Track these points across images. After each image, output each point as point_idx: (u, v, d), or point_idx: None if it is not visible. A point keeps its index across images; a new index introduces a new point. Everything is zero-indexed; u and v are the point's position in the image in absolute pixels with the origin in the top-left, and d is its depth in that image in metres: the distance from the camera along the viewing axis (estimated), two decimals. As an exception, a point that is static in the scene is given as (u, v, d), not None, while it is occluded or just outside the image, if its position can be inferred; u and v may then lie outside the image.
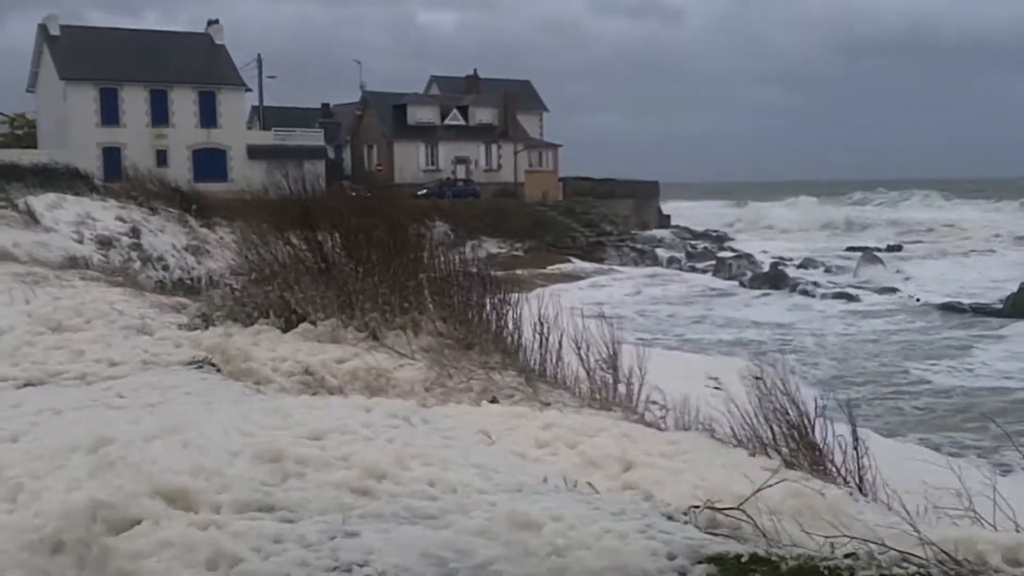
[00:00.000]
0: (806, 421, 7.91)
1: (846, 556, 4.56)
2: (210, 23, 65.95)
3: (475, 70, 78.35)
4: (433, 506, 5.40)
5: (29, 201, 39.37)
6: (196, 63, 62.62)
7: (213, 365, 9.42)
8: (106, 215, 42.83)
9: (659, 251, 61.03)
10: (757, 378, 7.91)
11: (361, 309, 11.37)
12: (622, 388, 10.19)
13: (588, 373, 10.84)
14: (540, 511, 5.00)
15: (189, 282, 31.55)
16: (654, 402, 8.57)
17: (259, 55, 68.85)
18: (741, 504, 5.48)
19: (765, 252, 62.07)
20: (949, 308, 38.98)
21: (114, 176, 50.27)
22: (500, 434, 7.05)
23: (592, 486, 5.76)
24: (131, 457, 5.94)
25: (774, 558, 4.54)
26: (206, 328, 10.82)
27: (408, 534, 5.03)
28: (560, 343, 11.58)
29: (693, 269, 55.79)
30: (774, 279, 48.64)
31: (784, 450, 7.60)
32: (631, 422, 8.00)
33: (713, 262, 56.91)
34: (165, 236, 42.96)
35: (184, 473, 5.50)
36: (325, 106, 76.56)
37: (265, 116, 69.38)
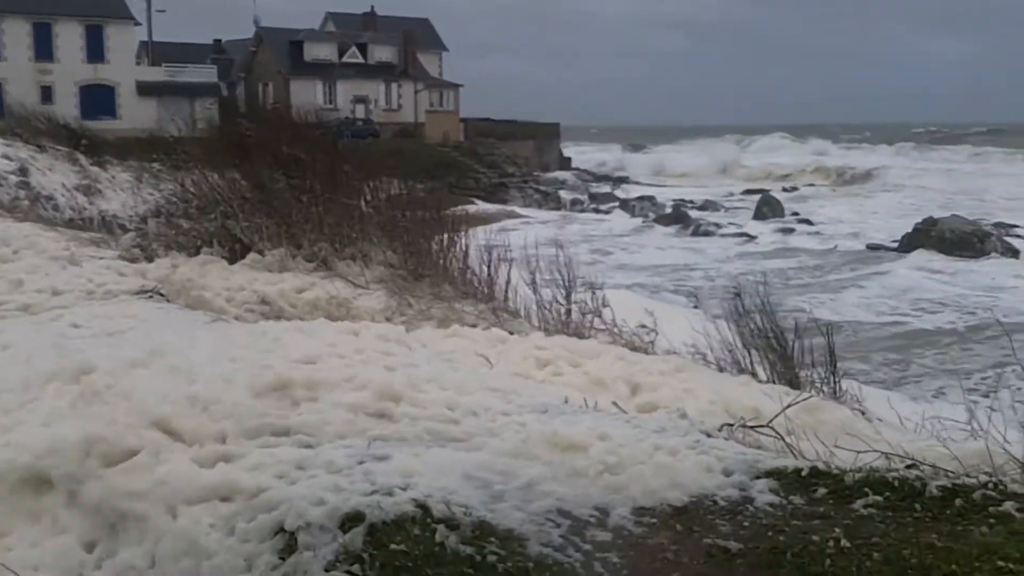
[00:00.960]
0: (782, 342, 7.93)
1: (908, 466, 4.46)
2: (95, -47, 62.89)
3: (372, 7, 76.69)
4: (457, 429, 5.15)
5: (-99, 138, 37.29)
6: (81, -6, 59.80)
7: (163, 295, 8.94)
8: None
9: (562, 193, 61.09)
10: (737, 295, 7.85)
11: (308, 239, 10.95)
12: (576, 316, 10.10)
13: (543, 304, 10.69)
14: (584, 431, 4.79)
15: (80, 222, 30.33)
16: (642, 326, 8.42)
17: (147, -13, 66.07)
18: (770, 422, 5.37)
19: (665, 194, 62.65)
20: (847, 247, 39.99)
21: (-5, 114, 47.81)
22: (495, 357, 6.82)
23: (619, 406, 5.58)
24: (120, 385, 5.53)
25: (835, 471, 4.42)
26: (149, 260, 10.27)
27: (442, 456, 4.78)
28: (510, 276, 11.41)
29: (597, 210, 56.03)
30: (676, 219, 49.18)
31: (766, 370, 7.61)
32: (619, 346, 7.84)
33: (616, 204, 57.24)
34: (54, 175, 41.01)
35: (181, 401, 5.12)
36: (217, 42, 74.08)
37: (155, 52, 66.72)
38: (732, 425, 5.19)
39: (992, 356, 19.89)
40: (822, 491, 4.32)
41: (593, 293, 8.90)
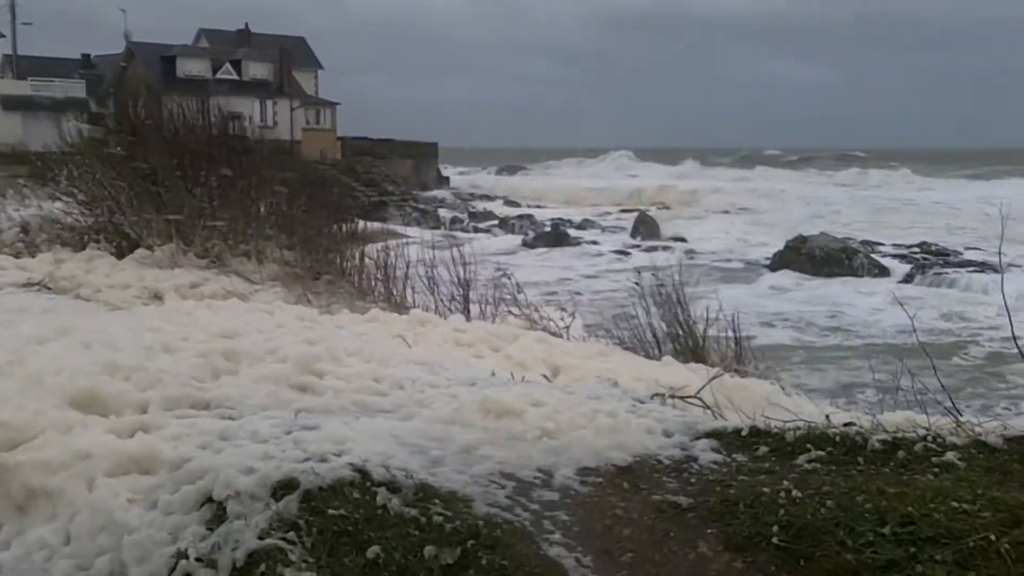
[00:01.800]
0: (693, 325, 8.03)
1: (845, 425, 4.49)
2: (-47, -41, 60.35)
3: (247, 24, 75.45)
4: (385, 401, 5.00)
5: None
6: (-62, 3, 57.20)
7: (49, 288, 8.49)
8: None
9: (442, 211, 60.95)
10: (658, 283, 7.91)
11: (200, 235, 10.59)
12: (475, 310, 10.07)
13: (443, 301, 10.61)
14: (515, 396, 4.69)
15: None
16: (562, 308, 8.37)
17: (11, -2, 63.61)
18: (698, 392, 5.37)
19: (543, 214, 63.13)
20: (721, 264, 40.93)
21: None
22: (412, 339, 6.65)
23: (547, 377, 5.50)
24: (26, 362, 5.17)
25: (775, 430, 4.42)
26: (32, 256, 9.76)
27: (374, 424, 4.61)
28: (408, 274, 11.31)
29: (476, 229, 56.03)
30: (555, 238, 49.57)
31: (674, 349, 7.69)
32: (537, 331, 7.77)
33: (495, 222, 57.39)
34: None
35: (97, 373, 4.82)
36: (86, 56, 71.75)
37: (20, 66, 64.25)
38: (662, 395, 5.16)
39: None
40: (764, 449, 4.31)
41: (508, 278, 8.83)
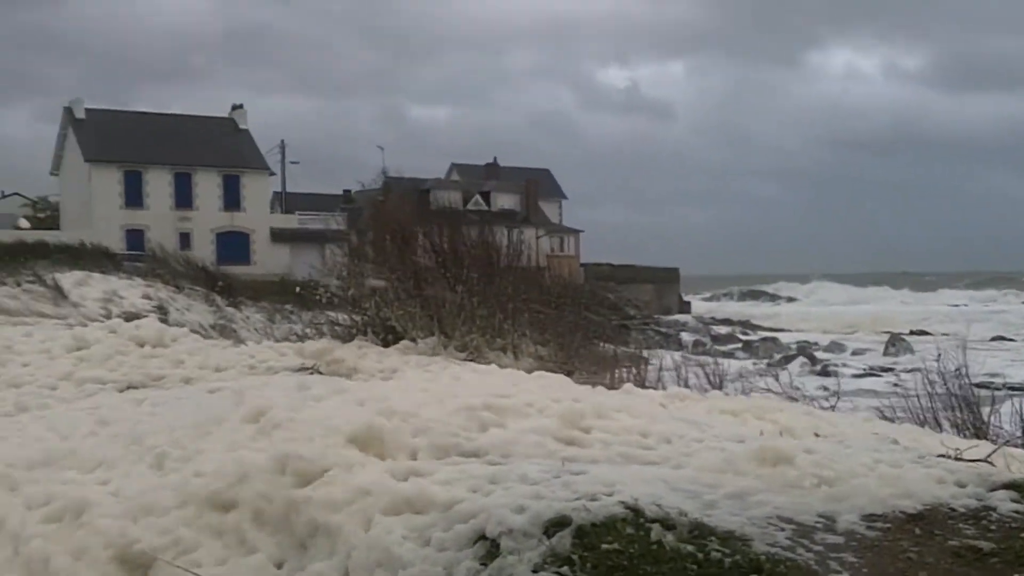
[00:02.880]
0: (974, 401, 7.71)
1: None
2: (234, 107, 66.34)
3: (495, 158, 78.87)
4: (652, 454, 4.92)
5: (56, 278, 39.31)
6: (220, 146, 62.85)
7: (321, 372, 8.97)
8: (132, 292, 42.77)
9: (684, 335, 60.41)
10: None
11: (460, 330, 10.96)
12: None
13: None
14: (789, 444, 4.52)
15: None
16: (823, 388, 8.12)
17: (282, 140, 69.35)
18: (989, 456, 5.00)
19: (787, 337, 61.47)
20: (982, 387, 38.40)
21: (138, 258, 50.11)
22: (673, 409, 6.58)
23: (818, 435, 5.29)
24: (302, 416, 5.46)
25: (1083, 481, 4.04)
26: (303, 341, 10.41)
27: (642, 471, 4.54)
28: (658, 377, 11.31)
29: (719, 352, 55.14)
30: (802, 360, 48.03)
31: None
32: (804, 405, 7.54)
33: (739, 345, 56.33)
34: (192, 315, 42.47)
35: (377, 416, 5.01)
36: (347, 192, 76.80)
37: (288, 201, 69.48)
38: (948, 456, 4.83)
39: None
40: (1071, 501, 3.94)
41: (771, 357, 8.63)
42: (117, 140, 60.35)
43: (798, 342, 57.13)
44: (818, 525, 3.94)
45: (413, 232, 12.41)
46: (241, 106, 66.42)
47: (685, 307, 74.44)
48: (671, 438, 5.03)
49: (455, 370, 6.58)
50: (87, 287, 41.58)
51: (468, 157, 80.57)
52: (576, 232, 75.29)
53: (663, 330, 61.53)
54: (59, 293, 38.44)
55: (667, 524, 3.92)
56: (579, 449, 4.95)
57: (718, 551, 3.70)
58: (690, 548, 3.76)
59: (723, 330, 66.10)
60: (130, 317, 40.21)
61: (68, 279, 40.87)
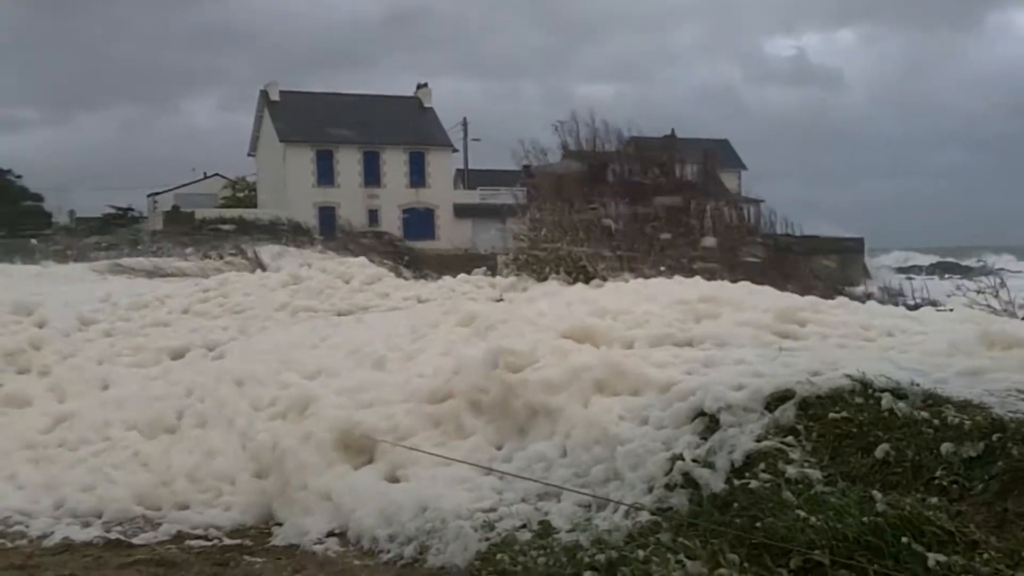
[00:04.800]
0: None
1: None
2: (419, 87, 67.72)
3: (672, 130, 77.75)
4: (873, 346, 4.78)
5: (257, 251, 41.12)
6: (406, 125, 64.27)
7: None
8: (326, 264, 44.37)
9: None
10: None
11: (647, 270, 10.93)
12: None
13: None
14: (1020, 327, 4.32)
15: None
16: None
17: (464, 118, 70.22)
18: None
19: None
20: None
21: (329, 234, 51.83)
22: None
23: None
24: (511, 321, 5.57)
25: None
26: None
27: (864, 352, 4.43)
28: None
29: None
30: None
31: None
32: None
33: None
34: (380, 287, 43.52)
35: (587, 315, 5.07)
36: (526, 167, 77.43)
37: (470, 178, 70.47)
38: None
39: None
40: None
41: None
42: (309, 121, 62.52)
43: None
44: (1065, 397, 3.76)
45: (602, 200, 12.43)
46: (426, 85, 67.75)
47: (871, 277, 71.94)
48: (893, 331, 4.89)
49: (662, 280, 6.58)
50: (284, 259, 43.33)
51: (647, 130, 79.81)
52: (757, 202, 73.66)
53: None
54: (259, 265, 40.27)
55: (898, 394, 3.82)
56: (795, 341, 4.87)
57: (956, 416, 3.57)
58: (924, 415, 3.65)
59: (911, 303, 63.53)
60: (324, 288, 41.60)
61: (267, 252, 42.68)
